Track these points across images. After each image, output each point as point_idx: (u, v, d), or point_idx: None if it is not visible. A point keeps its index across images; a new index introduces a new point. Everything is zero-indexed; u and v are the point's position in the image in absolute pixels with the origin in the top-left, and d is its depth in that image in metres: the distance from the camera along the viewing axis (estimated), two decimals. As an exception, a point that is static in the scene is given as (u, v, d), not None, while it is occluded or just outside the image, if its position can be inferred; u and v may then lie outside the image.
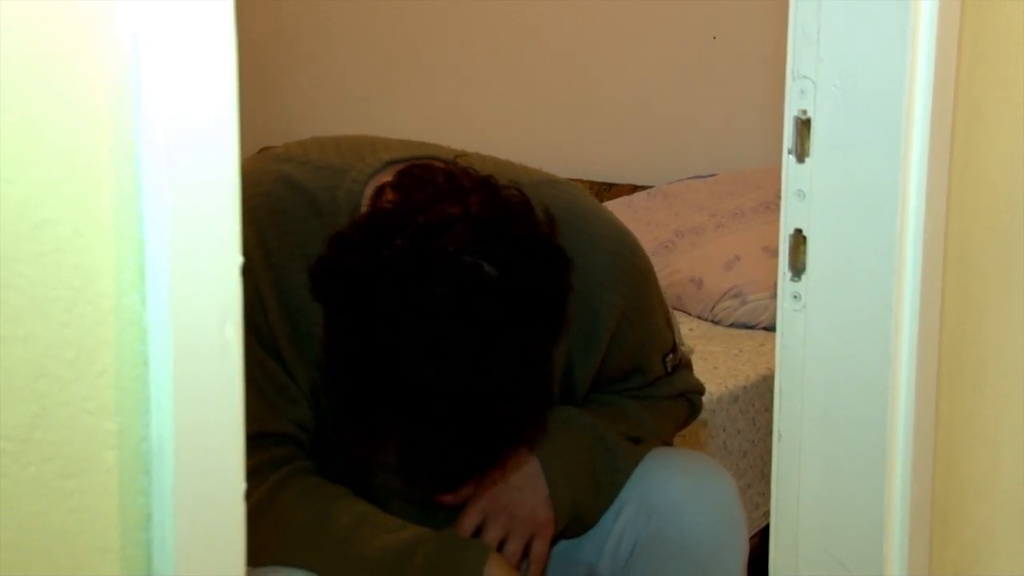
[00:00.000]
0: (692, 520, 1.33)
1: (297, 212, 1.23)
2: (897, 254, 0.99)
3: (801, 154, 1.01)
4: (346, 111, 3.67)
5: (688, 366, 1.50)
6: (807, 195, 1.01)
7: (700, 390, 1.50)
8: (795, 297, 1.03)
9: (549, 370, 1.18)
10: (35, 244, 0.59)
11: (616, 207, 2.73)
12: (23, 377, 0.59)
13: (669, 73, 3.12)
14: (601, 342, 1.33)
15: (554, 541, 1.35)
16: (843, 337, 1.02)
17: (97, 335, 0.61)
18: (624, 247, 1.35)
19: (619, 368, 1.38)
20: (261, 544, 1.19)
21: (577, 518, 1.34)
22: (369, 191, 1.20)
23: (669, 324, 1.45)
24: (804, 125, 1.00)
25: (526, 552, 1.32)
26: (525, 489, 1.30)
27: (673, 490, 1.35)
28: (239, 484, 0.67)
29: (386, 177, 1.19)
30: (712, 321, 2.54)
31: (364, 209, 1.17)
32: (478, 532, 1.30)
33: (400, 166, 1.20)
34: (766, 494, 1.63)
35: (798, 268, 1.03)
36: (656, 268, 1.46)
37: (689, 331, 2.40)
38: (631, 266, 1.35)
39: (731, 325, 2.51)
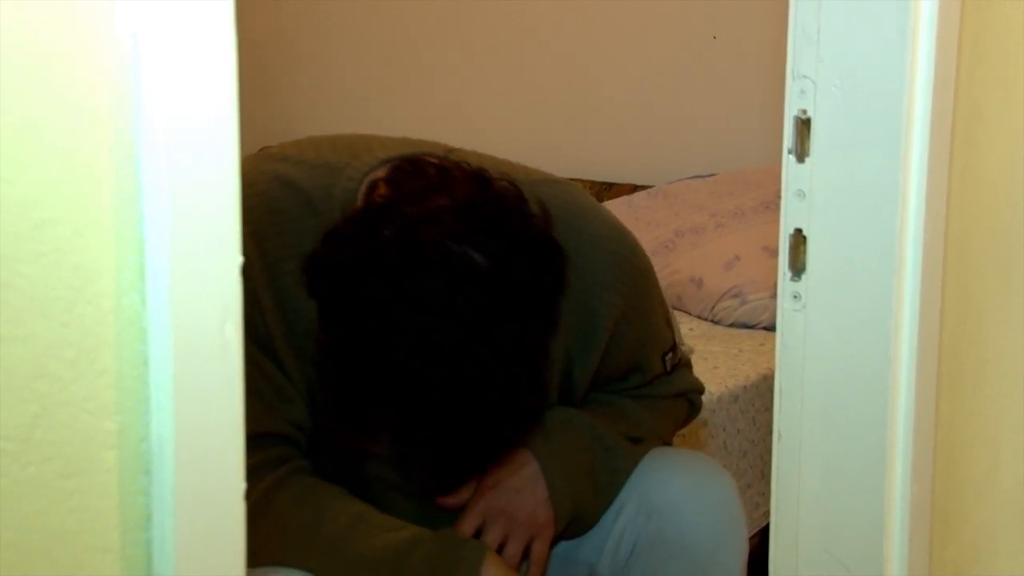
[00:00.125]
0: (692, 520, 1.33)
1: (293, 211, 1.23)
2: (897, 254, 0.99)
3: (801, 154, 1.01)
4: (346, 111, 3.67)
5: (688, 365, 1.50)
6: (807, 195, 1.01)
7: (700, 389, 1.50)
8: (795, 297, 1.03)
9: (543, 365, 1.17)
10: (35, 244, 0.59)
11: (616, 207, 2.73)
12: (23, 377, 0.59)
13: (669, 73, 3.12)
14: (600, 341, 1.33)
15: (554, 542, 1.34)
16: (843, 337, 1.02)
17: (97, 335, 0.61)
18: (623, 246, 1.35)
19: (618, 367, 1.38)
20: (259, 544, 1.19)
21: (577, 519, 1.34)
22: (364, 188, 1.20)
23: (669, 323, 1.45)
24: (804, 125, 1.00)
25: (526, 554, 1.31)
26: (524, 491, 1.30)
27: (673, 490, 1.35)
28: (239, 484, 0.67)
29: (381, 174, 1.19)
30: (712, 321, 2.54)
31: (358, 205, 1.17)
32: (478, 535, 1.30)
33: (395, 162, 1.21)
34: (766, 494, 1.63)
35: (798, 268, 1.03)
36: (656, 268, 1.46)
37: (689, 331, 2.40)
38: (630, 265, 1.35)
39: (731, 325, 2.51)
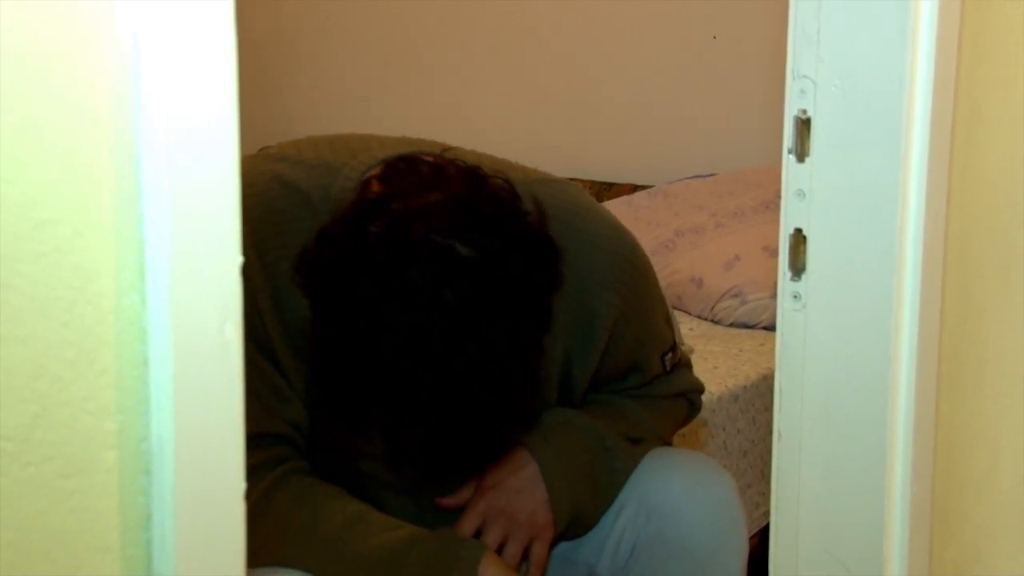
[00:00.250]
0: (691, 520, 1.33)
1: (292, 212, 1.23)
2: (897, 254, 0.99)
3: (801, 154, 1.01)
4: (346, 111, 3.67)
5: (688, 365, 1.50)
6: (807, 195, 1.01)
7: (700, 389, 1.50)
8: (795, 297, 1.03)
9: (538, 362, 1.17)
10: (35, 244, 0.59)
11: (616, 207, 2.73)
12: (23, 377, 0.59)
13: (669, 73, 3.12)
14: (599, 341, 1.33)
15: (554, 543, 1.34)
16: (843, 337, 1.02)
17: (97, 335, 0.61)
18: (623, 246, 1.35)
19: (617, 367, 1.38)
20: (257, 545, 1.19)
21: (577, 520, 1.34)
22: (358, 186, 1.20)
23: (668, 323, 1.45)
24: (804, 125, 1.00)
25: (526, 555, 1.31)
26: (524, 492, 1.30)
27: (673, 490, 1.35)
28: (239, 484, 0.67)
29: (376, 173, 1.19)
30: (712, 321, 2.54)
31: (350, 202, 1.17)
32: (478, 536, 1.30)
33: (390, 161, 1.21)
34: (766, 494, 1.63)
35: (798, 268, 1.03)
36: (656, 268, 1.46)
37: (689, 331, 2.40)
38: (629, 265, 1.35)
39: (731, 325, 2.51)
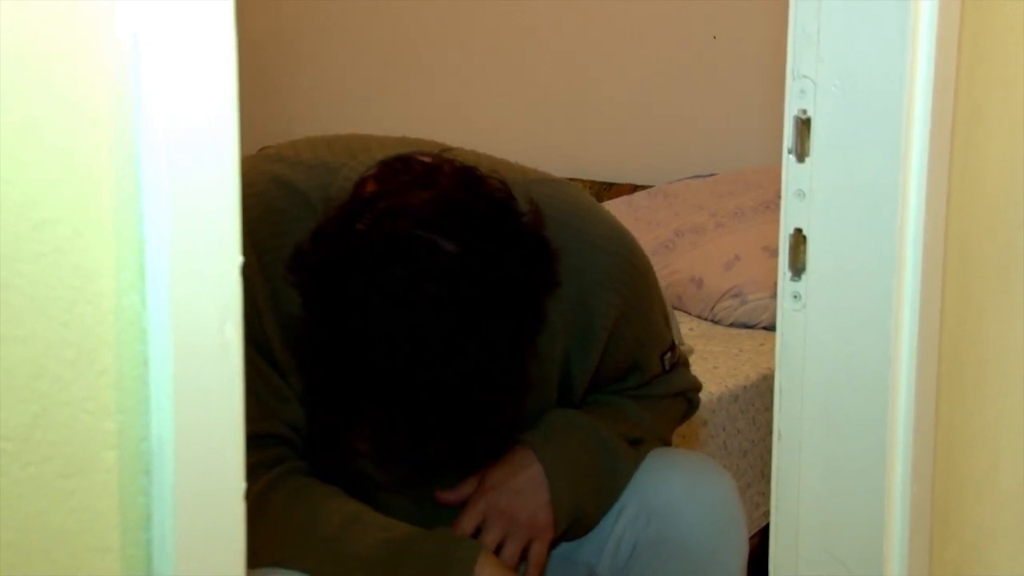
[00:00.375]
0: (691, 521, 1.33)
1: (291, 212, 1.23)
2: (897, 254, 0.99)
3: (801, 154, 1.01)
4: (346, 111, 3.67)
5: (685, 364, 1.50)
6: (807, 195, 1.01)
7: (697, 387, 1.50)
8: (795, 297, 1.03)
9: (531, 363, 1.17)
10: (35, 244, 0.59)
11: (616, 207, 2.73)
12: (23, 377, 0.59)
13: (669, 73, 3.12)
14: (599, 341, 1.32)
15: (554, 544, 1.34)
16: (843, 337, 1.02)
17: (97, 335, 0.61)
18: (622, 246, 1.35)
19: (617, 367, 1.38)
20: (256, 545, 1.19)
21: (577, 521, 1.34)
22: (353, 186, 1.20)
23: (667, 322, 1.45)
24: (804, 125, 1.00)
25: (525, 555, 1.31)
26: (526, 493, 1.30)
27: (673, 491, 1.35)
28: (239, 484, 0.67)
29: (373, 172, 1.19)
30: (712, 321, 2.54)
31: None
32: (477, 534, 1.30)
33: (386, 161, 1.21)
34: (766, 494, 1.63)
35: (798, 268, 1.03)
36: (656, 268, 1.46)
37: (689, 331, 2.40)
38: (629, 265, 1.35)
39: (731, 325, 2.51)
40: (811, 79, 0.99)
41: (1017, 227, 1.16)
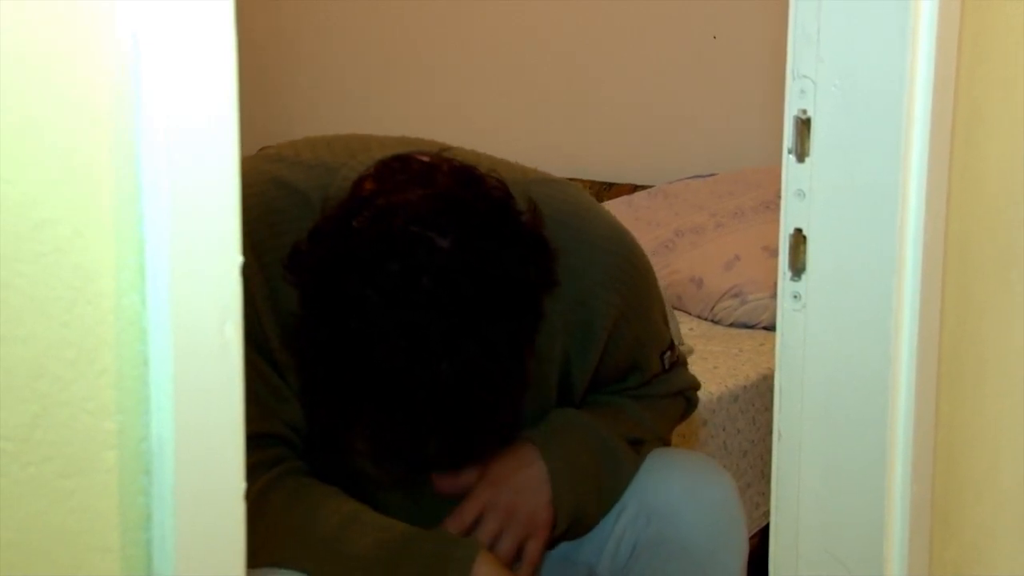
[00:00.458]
0: (691, 521, 1.33)
1: (290, 212, 1.23)
2: (897, 254, 0.99)
3: (801, 154, 1.01)
4: (346, 111, 3.67)
5: (684, 363, 1.50)
6: (807, 195, 1.01)
7: (696, 386, 1.50)
8: (795, 297, 1.03)
9: (529, 362, 1.17)
10: (35, 244, 0.59)
11: (616, 207, 2.73)
12: (23, 377, 0.59)
13: (669, 73, 3.12)
14: (599, 341, 1.32)
15: (553, 544, 1.34)
16: (843, 337, 1.02)
17: (97, 335, 0.61)
18: (622, 246, 1.35)
19: (617, 367, 1.38)
20: (255, 545, 1.19)
21: (577, 521, 1.34)
22: (352, 186, 1.20)
23: (667, 322, 1.45)
24: (804, 125, 1.00)
25: (520, 553, 1.31)
26: (527, 491, 1.30)
27: (673, 491, 1.35)
28: (239, 484, 0.67)
29: (371, 172, 1.19)
30: (712, 321, 2.54)
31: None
32: (475, 529, 1.30)
33: (384, 160, 1.21)
34: (766, 494, 1.63)
35: (798, 268, 1.03)
36: (656, 268, 1.46)
37: (689, 331, 2.40)
38: (629, 265, 1.35)
39: (731, 325, 2.51)
40: (811, 79, 0.99)
41: (1017, 227, 1.16)
